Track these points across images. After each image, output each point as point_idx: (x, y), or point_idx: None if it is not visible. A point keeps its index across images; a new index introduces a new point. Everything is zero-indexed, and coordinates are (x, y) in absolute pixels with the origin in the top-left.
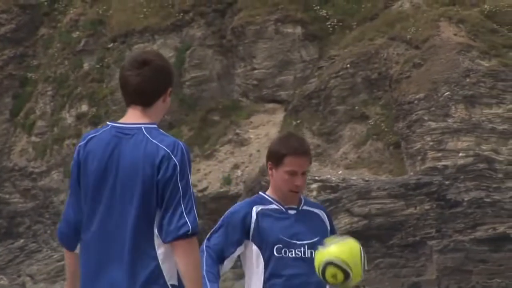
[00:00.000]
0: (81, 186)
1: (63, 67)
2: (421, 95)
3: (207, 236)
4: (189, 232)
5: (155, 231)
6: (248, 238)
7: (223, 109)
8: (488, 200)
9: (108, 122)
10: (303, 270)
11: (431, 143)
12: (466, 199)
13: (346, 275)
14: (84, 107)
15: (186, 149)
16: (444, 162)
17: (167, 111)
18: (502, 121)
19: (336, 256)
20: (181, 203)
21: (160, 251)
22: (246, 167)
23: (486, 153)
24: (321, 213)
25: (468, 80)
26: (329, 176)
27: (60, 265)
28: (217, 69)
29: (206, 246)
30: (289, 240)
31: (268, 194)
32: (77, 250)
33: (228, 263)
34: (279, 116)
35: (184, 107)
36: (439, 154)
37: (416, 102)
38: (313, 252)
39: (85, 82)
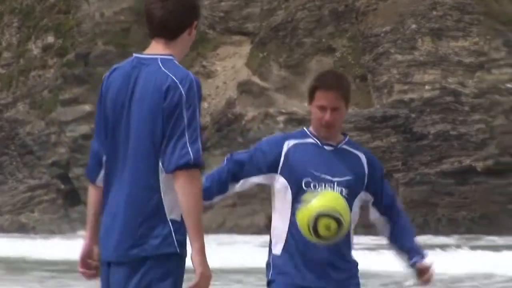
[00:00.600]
0: (102, 116)
1: None
2: (388, 28)
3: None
4: (191, 162)
5: (160, 161)
6: (276, 171)
7: None
8: (454, 133)
9: (134, 54)
10: None
11: (397, 76)
12: (432, 132)
13: (339, 223)
14: (50, 39)
15: (197, 82)
16: (410, 95)
17: (188, 47)
18: (469, 54)
19: (324, 206)
20: (185, 133)
21: (163, 183)
22: (213, 99)
23: (452, 86)
24: (362, 156)
25: (434, 13)
26: (295, 108)
27: (26, 196)
28: None
29: (227, 159)
30: (319, 174)
31: (310, 129)
32: (99, 183)
33: (242, 185)
34: (246, 48)
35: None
36: (406, 87)
37: (382, 35)
38: (343, 191)
39: (51, 14)
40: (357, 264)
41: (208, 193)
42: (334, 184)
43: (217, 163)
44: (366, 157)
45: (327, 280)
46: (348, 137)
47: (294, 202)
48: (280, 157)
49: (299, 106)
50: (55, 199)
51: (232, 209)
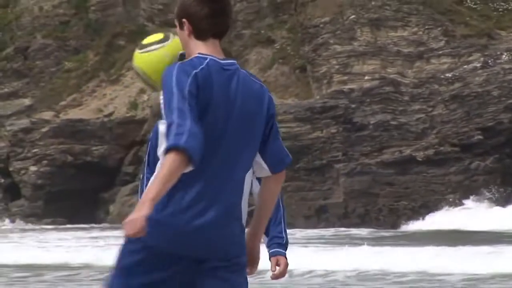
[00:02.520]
0: (205, 112)
1: None
2: (327, 18)
3: None
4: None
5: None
6: None
7: (129, 33)
8: (394, 123)
9: (198, 55)
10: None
11: (337, 67)
12: (372, 122)
13: None
14: None
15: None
16: (350, 86)
17: (184, 44)
18: (408, 44)
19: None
20: (279, 137)
21: (246, 187)
22: (153, 91)
23: (392, 76)
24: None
25: (373, 3)
26: None
27: None
28: None
29: None
30: None
31: None
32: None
33: None
34: None
35: (90, 32)
36: (345, 78)
37: (321, 25)
38: None
39: None
40: None
41: None
42: None
43: None
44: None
45: None
46: None
47: None
48: None
49: None
50: None
51: None
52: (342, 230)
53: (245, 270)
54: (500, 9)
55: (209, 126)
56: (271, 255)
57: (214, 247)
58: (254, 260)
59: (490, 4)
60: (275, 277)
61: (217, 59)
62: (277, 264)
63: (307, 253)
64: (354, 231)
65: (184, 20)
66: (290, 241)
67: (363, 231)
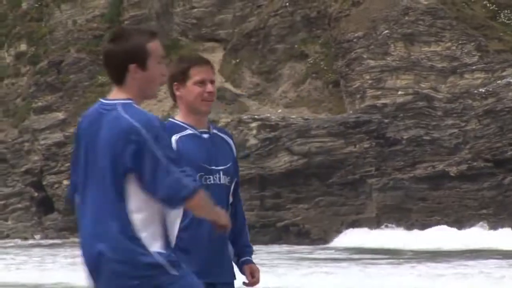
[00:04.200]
0: (77, 158)
1: (1, 6)
2: (360, 33)
3: None
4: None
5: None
6: None
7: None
8: (427, 138)
9: (100, 99)
10: (220, 196)
11: (370, 81)
12: (405, 137)
13: None
14: (23, 47)
15: (159, 122)
16: (383, 100)
17: (155, 82)
18: (441, 59)
19: None
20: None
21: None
22: None
23: (425, 91)
24: (229, 140)
25: (407, 18)
26: (268, 114)
27: (0, 204)
28: (156, 8)
29: None
30: (208, 166)
31: (179, 119)
32: None
33: None
34: (219, 55)
35: None
36: (378, 92)
37: (355, 40)
38: (226, 179)
39: (23, 21)
40: None
41: None
42: (220, 173)
43: None
44: (232, 142)
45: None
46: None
47: None
48: None
49: (272, 113)
50: (29, 207)
51: None
52: None
53: None
54: None
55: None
56: (243, 263)
57: None
58: None
59: None
60: (253, 284)
61: (103, 100)
62: (251, 272)
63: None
64: None
65: None
66: (325, 256)
67: None
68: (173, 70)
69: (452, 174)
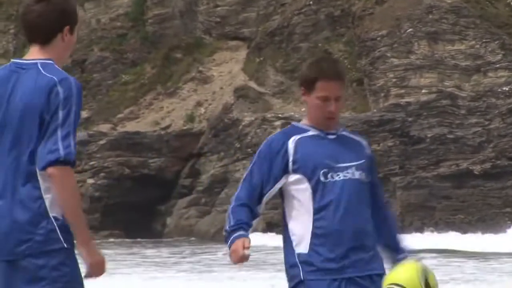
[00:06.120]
0: None
1: None
2: (384, 31)
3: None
4: (61, 159)
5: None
6: (288, 171)
7: (186, 46)
8: (451, 136)
9: (12, 59)
10: (355, 190)
11: (394, 80)
12: (429, 135)
13: None
14: None
15: (77, 84)
16: (407, 99)
17: (71, 49)
18: (465, 58)
19: (389, 280)
20: (58, 131)
21: (41, 181)
22: (210, 104)
23: (449, 89)
24: (362, 142)
25: (430, 16)
26: (292, 113)
27: None
28: (179, 6)
29: (236, 197)
30: (334, 164)
31: (303, 123)
32: None
33: (265, 202)
34: (242, 53)
35: (147, 45)
36: (402, 91)
37: (379, 39)
38: (362, 174)
39: None
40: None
41: (247, 226)
42: (353, 169)
43: (213, 168)
44: (366, 143)
45: (355, 261)
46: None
47: (314, 196)
48: (288, 155)
49: (296, 111)
50: None
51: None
52: None
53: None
54: None
55: None
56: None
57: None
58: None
59: None
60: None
61: (18, 60)
62: None
63: None
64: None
65: None
66: None
67: None
68: (303, 73)
69: (476, 173)
